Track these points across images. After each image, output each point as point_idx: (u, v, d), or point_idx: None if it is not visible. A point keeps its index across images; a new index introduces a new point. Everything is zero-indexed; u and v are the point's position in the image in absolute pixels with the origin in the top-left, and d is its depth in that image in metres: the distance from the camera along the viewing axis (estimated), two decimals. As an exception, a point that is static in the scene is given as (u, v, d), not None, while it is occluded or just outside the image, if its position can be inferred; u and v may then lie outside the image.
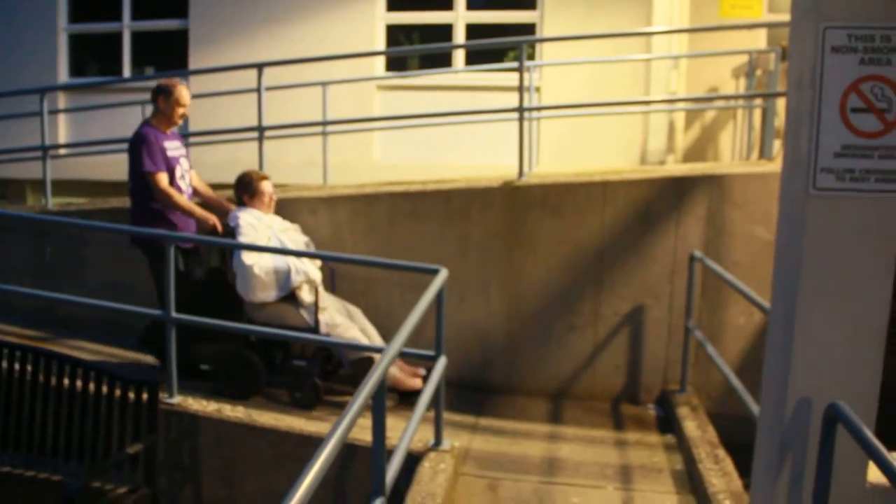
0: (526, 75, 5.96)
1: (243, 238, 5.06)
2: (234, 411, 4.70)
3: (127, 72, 9.33)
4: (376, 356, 4.87)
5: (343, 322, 5.08)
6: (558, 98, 7.69)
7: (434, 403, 4.18)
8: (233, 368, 5.06)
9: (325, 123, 7.16)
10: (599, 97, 7.23)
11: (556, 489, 4.22)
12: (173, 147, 5.27)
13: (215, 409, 4.71)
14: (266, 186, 5.32)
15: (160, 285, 5.12)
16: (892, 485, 2.12)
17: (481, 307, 5.65)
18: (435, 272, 3.98)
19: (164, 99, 5.19)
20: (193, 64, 8.80)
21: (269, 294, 5.02)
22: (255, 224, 5.16)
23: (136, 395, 4.01)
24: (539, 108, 6.83)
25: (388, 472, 2.89)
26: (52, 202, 6.97)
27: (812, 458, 2.64)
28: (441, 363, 4.05)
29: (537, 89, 7.70)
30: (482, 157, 7.48)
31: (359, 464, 4.34)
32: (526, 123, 6.14)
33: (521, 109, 5.62)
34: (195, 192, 5.49)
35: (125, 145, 7.65)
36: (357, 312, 5.33)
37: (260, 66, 6.11)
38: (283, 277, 5.02)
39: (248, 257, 4.99)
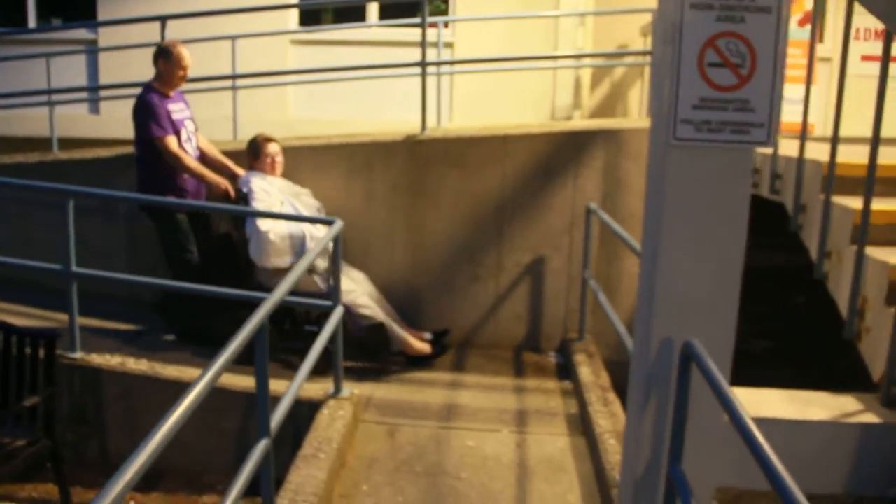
0: (434, 31, 6.00)
1: (257, 203, 5.01)
2: (138, 364, 4.74)
3: (32, 22, 9.04)
4: (388, 322, 5.14)
5: (355, 288, 5.13)
6: (471, 54, 7.75)
7: (331, 352, 4.28)
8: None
9: (233, 77, 7.11)
10: (511, 54, 7.33)
11: (453, 433, 4.38)
12: (178, 109, 5.21)
13: (118, 363, 4.74)
14: (269, 148, 5.28)
15: (165, 250, 5.21)
16: (729, 419, 2.26)
17: (386, 259, 5.74)
18: (330, 223, 4.06)
19: (163, 61, 5.12)
20: (102, 15, 8.57)
21: (283, 260, 4.98)
22: (268, 189, 5.13)
23: (33, 349, 4.01)
24: (440, 63, 6.87)
25: (276, 416, 2.99)
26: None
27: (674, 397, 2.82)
28: (338, 312, 4.15)
29: (449, 45, 7.76)
30: (396, 112, 7.50)
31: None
32: (435, 79, 6.21)
33: (423, 64, 5.68)
34: (202, 155, 5.40)
35: (28, 98, 7.53)
36: (361, 277, 5.39)
37: (163, 19, 6.05)
38: (299, 243, 4.99)
39: (263, 223, 4.95)
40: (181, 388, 4.58)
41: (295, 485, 3.46)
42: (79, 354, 4.71)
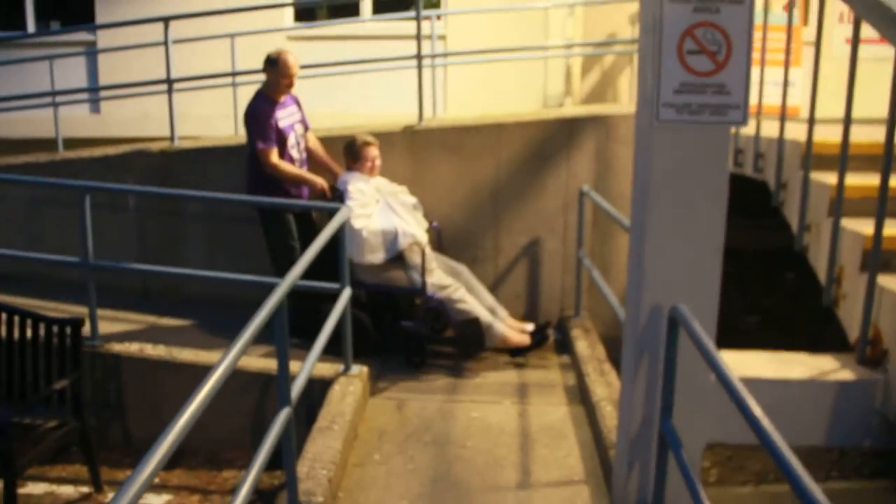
0: (427, 24, 6.21)
1: (351, 203, 5.11)
2: (155, 349, 4.97)
3: (31, 27, 9.22)
4: (483, 317, 5.18)
5: (451, 283, 5.22)
6: (463, 46, 7.97)
7: (340, 332, 4.51)
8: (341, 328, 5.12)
9: (234, 74, 7.32)
10: (502, 45, 7.55)
11: (458, 406, 4.63)
12: (286, 115, 5.32)
13: (137, 349, 4.97)
14: (369, 152, 5.35)
15: (272, 249, 5.31)
16: (717, 380, 2.45)
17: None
18: (337, 210, 4.29)
19: (271, 69, 5.23)
20: (100, 18, 8.76)
21: (377, 256, 5.13)
22: (364, 188, 5.24)
23: (59, 334, 4.24)
24: (436, 56, 7.10)
25: (295, 387, 3.22)
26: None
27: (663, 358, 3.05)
28: (346, 294, 4.38)
29: (442, 37, 7.98)
30: (392, 105, 7.70)
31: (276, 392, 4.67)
32: (430, 70, 6.42)
33: (418, 57, 5.91)
34: (310, 154, 5.57)
35: (32, 101, 7.71)
36: (464, 270, 5.51)
37: (166, 20, 6.22)
38: (391, 239, 5.11)
39: (356, 221, 5.09)
40: (198, 370, 4.89)
41: (312, 454, 3.70)
42: (99, 342, 4.95)
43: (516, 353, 5.35)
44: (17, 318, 4.30)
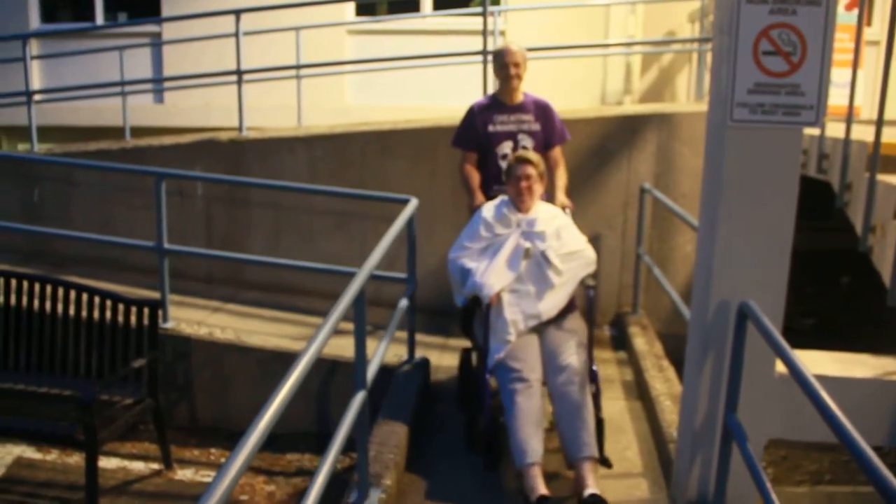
0: (490, 19, 6.30)
1: (464, 229, 4.26)
2: (224, 333, 5.14)
3: (99, 18, 9.49)
4: (517, 436, 3.58)
5: (520, 372, 3.73)
6: (523, 41, 8.02)
7: (407, 324, 4.62)
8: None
9: (298, 67, 7.48)
10: (562, 41, 7.61)
11: (517, 397, 4.69)
12: (507, 121, 4.60)
13: (206, 333, 5.14)
14: (516, 170, 4.05)
15: None
16: (790, 374, 2.51)
17: (449, 238, 5.98)
18: (406, 201, 4.39)
19: (493, 66, 4.68)
20: (166, 10, 8.99)
21: (457, 297, 4.21)
22: (487, 217, 4.09)
23: (138, 316, 4.41)
24: (502, 52, 7.18)
25: (369, 371, 3.32)
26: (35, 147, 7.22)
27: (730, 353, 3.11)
28: (413, 286, 4.48)
29: (502, 33, 8.05)
30: (449, 99, 7.79)
31: (339, 377, 4.82)
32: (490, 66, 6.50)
33: (484, 53, 5.99)
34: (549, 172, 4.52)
35: (99, 90, 7.96)
36: (567, 370, 3.77)
37: (237, 13, 6.39)
38: (465, 282, 4.03)
39: (452, 250, 4.21)
40: (265, 355, 5.01)
41: (380, 438, 3.81)
42: (170, 325, 5.13)
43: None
44: (97, 299, 4.48)
